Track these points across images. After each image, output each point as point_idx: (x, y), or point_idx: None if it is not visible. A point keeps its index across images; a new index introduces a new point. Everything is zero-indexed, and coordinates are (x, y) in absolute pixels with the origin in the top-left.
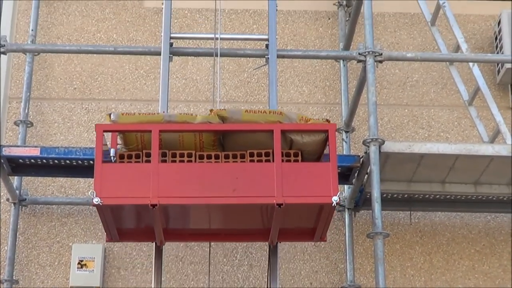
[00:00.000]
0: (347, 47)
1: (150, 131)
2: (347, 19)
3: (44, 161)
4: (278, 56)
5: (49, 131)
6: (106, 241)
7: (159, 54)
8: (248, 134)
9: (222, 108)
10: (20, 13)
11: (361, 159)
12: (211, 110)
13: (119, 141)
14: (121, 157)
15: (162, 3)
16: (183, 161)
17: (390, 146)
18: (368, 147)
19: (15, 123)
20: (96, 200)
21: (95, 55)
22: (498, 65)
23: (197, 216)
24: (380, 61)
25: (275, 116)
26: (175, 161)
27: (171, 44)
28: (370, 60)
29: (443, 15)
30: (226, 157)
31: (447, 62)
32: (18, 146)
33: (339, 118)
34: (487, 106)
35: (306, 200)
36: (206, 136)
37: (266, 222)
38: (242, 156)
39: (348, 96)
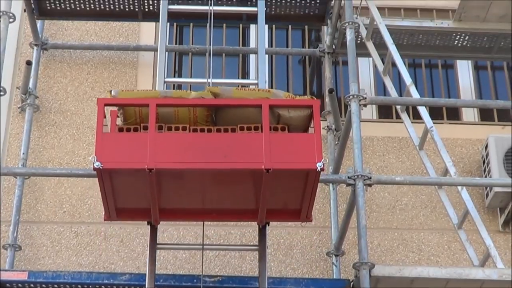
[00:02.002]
0: (336, 170)
1: (148, 105)
2: (336, 143)
3: (32, 285)
4: None
5: (38, 255)
6: (104, 219)
7: None
8: (239, 110)
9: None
10: (12, 137)
11: (352, 283)
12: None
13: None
14: (120, 130)
15: None
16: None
17: (380, 270)
18: (358, 271)
19: (4, 247)
20: (96, 164)
21: (85, 178)
22: (486, 188)
23: (191, 190)
24: (369, 185)
25: (263, 93)
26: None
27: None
28: (359, 184)
29: (431, 139)
30: (218, 130)
31: (436, 186)
32: (6, 270)
33: (329, 241)
34: (477, 229)
35: (293, 166)
36: (199, 111)
37: (256, 198)
38: (233, 130)
39: (338, 219)
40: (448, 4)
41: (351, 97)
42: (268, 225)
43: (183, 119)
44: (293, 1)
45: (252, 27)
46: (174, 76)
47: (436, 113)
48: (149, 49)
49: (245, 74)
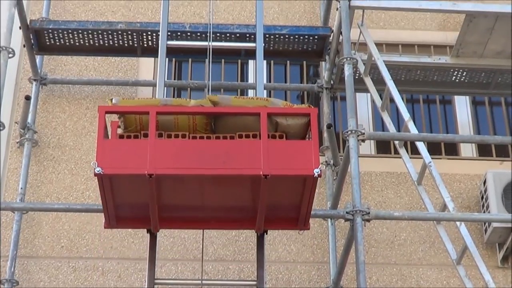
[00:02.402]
0: (334, 205)
1: (148, 113)
2: (335, 178)
3: None
4: None
5: None
6: (104, 227)
7: None
8: (237, 118)
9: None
10: (10, 172)
11: None
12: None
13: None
14: (121, 137)
15: None
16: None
17: None
18: None
19: (1, 282)
20: (97, 170)
21: (83, 213)
22: (485, 224)
23: (190, 198)
24: (368, 220)
25: (262, 101)
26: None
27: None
28: (358, 219)
29: (429, 174)
30: (217, 138)
31: (435, 221)
32: None
33: (327, 277)
34: (476, 265)
35: (290, 172)
36: (199, 119)
37: (254, 205)
38: (232, 138)
39: (336, 254)
40: (446, 40)
41: (349, 132)
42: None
43: (183, 127)
44: (292, 37)
45: (251, 62)
46: None
47: (434, 149)
48: (148, 84)
49: None
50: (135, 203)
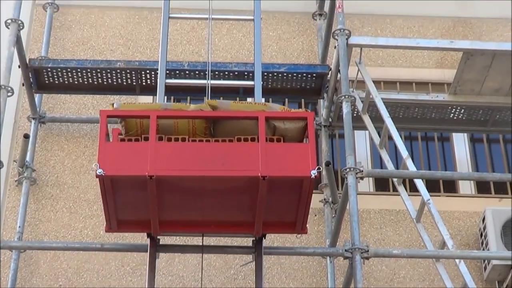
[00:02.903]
0: (333, 243)
1: (149, 117)
2: (333, 215)
3: None
4: (265, 253)
5: None
6: (106, 231)
7: (145, 250)
8: (236, 122)
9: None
10: (8, 210)
11: None
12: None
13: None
14: (122, 141)
15: None
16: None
17: None
18: None
19: None
20: (99, 171)
21: (81, 252)
22: (484, 261)
23: (190, 201)
24: (367, 258)
25: (260, 106)
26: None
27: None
28: (357, 257)
29: (428, 212)
30: (216, 141)
31: (434, 259)
32: None
33: None
34: None
35: (288, 173)
36: (198, 123)
37: (252, 209)
38: (231, 141)
39: None
40: (444, 78)
41: (348, 170)
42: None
43: (183, 131)
44: (290, 75)
45: (249, 100)
46: None
47: (433, 186)
48: None
49: None
50: (135, 207)
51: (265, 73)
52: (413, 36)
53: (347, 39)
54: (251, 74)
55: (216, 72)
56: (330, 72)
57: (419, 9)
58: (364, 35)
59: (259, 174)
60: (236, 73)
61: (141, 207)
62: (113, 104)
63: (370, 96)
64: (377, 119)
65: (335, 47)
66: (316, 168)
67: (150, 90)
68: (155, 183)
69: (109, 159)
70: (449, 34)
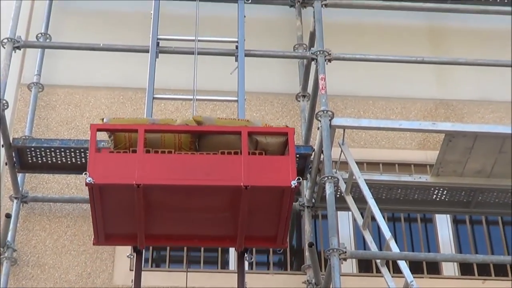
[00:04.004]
0: None
1: (137, 130)
2: None
3: None
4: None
5: None
6: (93, 244)
7: None
8: (220, 137)
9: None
10: None
11: None
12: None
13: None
14: (111, 153)
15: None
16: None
17: None
18: None
19: None
20: (88, 180)
21: None
22: None
23: (175, 213)
24: None
25: (243, 122)
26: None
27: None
28: None
29: None
30: (201, 154)
31: None
32: None
33: None
34: None
35: (269, 183)
36: (184, 138)
37: (235, 223)
38: (215, 154)
39: None
40: (426, 159)
41: (331, 251)
42: (247, 253)
43: (169, 144)
44: None
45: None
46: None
47: (416, 267)
48: None
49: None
50: (123, 220)
51: None
52: (396, 118)
53: (330, 120)
54: None
55: None
56: (313, 153)
57: (401, 91)
58: (347, 116)
59: (242, 184)
60: None
61: (128, 220)
62: (102, 119)
63: (353, 177)
64: (360, 200)
65: (318, 128)
66: (296, 179)
67: None
68: (142, 192)
69: (98, 168)
70: (431, 116)
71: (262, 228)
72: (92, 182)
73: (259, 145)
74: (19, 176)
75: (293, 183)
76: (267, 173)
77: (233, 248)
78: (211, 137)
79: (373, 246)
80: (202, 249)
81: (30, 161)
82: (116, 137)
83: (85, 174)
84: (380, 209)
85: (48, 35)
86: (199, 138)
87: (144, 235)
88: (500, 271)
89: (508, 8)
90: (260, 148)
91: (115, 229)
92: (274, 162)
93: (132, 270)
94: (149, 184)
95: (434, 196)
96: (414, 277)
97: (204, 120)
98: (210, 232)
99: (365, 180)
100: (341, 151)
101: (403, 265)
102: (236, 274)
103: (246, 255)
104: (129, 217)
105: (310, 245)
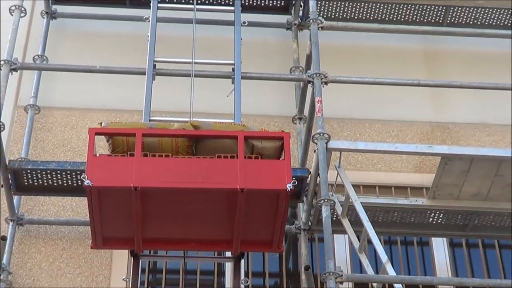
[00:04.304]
0: None
1: (135, 134)
2: None
3: None
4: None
5: None
6: (91, 247)
7: None
8: (216, 141)
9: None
10: None
11: None
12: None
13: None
14: (109, 156)
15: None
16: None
17: None
18: None
19: None
20: (87, 182)
21: None
22: None
23: (172, 217)
24: None
25: (239, 126)
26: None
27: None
28: None
29: None
30: (198, 158)
31: None
32: None
33: None
34: None
35: (265, 186)
36: (181, 142)
37: (231, 228)
38: (211, 158)
39: None
40: (422, 182)
41: (327, 274)
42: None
43: (166, 148)
44: None
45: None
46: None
47: None
48: None
49: None
50: (120, 223)
51: None
52: (392, 141)
53: (326, 143)
54: None
55: None
56: (309, 175)
57: (397, 113)
58: (343, 139)
59: (238, 187)
60: None
61: (126, 223)
62: (101, 123)
63: (349, 200)
64: (357, 223)
65: (314, 151)
66: (292, 182)
67: None
68: (140, 195)
69: (96, 171)
70: (428, 138)
71: (258, 232)
72: (90, 185)
73: (255, 149)
74: (15, 198)
75: (289, 186)
76: (263, 176)
77: (230, 271)
78: (208, 142)
79: (369, 270)
80: (198, 272)
81: (26, 183)
82: (114, 141)
83: (83, 176)
84: (376, 232)
85: (45, 57)
86: (196, 143)
87: (141, 239)
88: None
89: (504, 32)
90: (256, 152)
91: (112, 233)
92: (270, 166)
93: None
94: (146, 187)
95: (431, 219)
96: None
97: (201, 124)
98: (207, 236)
99: (361, 203)
100: (337, 173)
101: None
102: None
103: (242, 279)
104: (127, 220)
105: (306, 268)
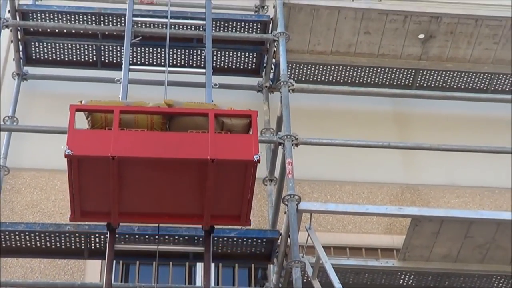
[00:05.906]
0: None
1: (112, 111)
2: None
3: None
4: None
5: None
6: (70, 220)
7: None
8: (189, 119)
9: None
10: None
11: None
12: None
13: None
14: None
15: None
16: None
17: None
18: None
19: None
20: (67, 152)
21: None
22: None
23: (146, 189)
24: None
25: (210, 105)
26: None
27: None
28: None
29: None
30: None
31: None
32: None
33: None
34: None
35: (234, 157)
36: (156, 119)
37: (202, 202)
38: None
39: None
40: (393, 244)
41: None
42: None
43: (142, 125)
44: (240, 240)
45: (199, 265)
46: None
47: None
48: (94, 287)
49: None
50: (98, 197)
51: (215, 238)
52: (362, 202)
53: (297, 204)
54: (201, 239)
55: (166, 237)
56: (280, 237)
57: (368, 175)
58: (314, 200)
59: (209, 157)
60: (186, 237)
61: (103, 197)
62: (81, 101)
63: (320, 262)
64: (328, 285)
65: (285, 212)
66: (259, 154)
67: (99, 254)
68: (117, 165)
69: (76, 142)
70: (398, 200)
71: (227, 207)
72: (71, 154)
73: (225, 126)
74: None
75: (256, 157)
76: (232, 149)
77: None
78: (181, 119)
79: None
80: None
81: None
82: (93, 117)
83: (64, 146)
84: None
85: (15, 118)
86: (170, 120)
87: (117, 212)
88: None
89: (472, 95)
90: (226, 129)
91: (90, 207)
92: (238, 140)
93: None
94: (123, 156)
95: (401, 281)
96: None
97: (175, 103)
98: (179, 211)
99: (332, 264)
100: (308, 235)
101: None
102: None
103: None
104: (104, 194)
105: None
